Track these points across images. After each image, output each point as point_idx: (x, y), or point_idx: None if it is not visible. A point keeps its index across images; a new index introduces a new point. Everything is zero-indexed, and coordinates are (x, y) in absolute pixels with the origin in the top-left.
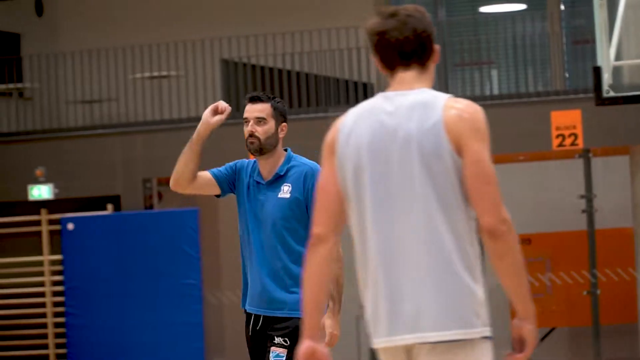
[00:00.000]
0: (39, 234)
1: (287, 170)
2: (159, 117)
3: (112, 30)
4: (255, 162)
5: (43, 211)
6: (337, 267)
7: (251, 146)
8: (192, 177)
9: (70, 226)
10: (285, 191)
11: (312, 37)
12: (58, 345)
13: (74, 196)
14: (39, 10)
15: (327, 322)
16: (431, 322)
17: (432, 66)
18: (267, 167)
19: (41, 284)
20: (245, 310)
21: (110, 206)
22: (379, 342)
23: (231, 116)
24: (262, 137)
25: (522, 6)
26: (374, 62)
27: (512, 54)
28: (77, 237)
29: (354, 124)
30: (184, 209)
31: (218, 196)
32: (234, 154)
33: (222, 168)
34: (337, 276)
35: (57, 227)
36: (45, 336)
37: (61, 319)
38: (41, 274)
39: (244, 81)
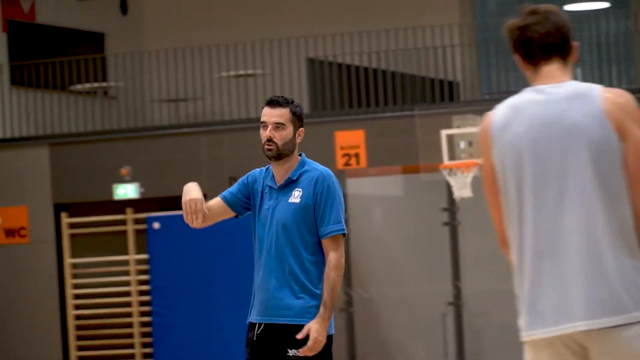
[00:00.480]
0: (124, 233)
1: (300, 175)
2: (245, 115)
3: (197, 29)
4: (269, 167)
5: (128, 210)
6: (335, 274)
7: (268, 152)
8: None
9: (156, 225)
10: (296, 196)
11: (398, 36)
12: (144, 345)
13: (160, 195)
14: (124, 9)
15: (314, 327)
16: (600, 308)
17: (571, 63)
18: (281, 172)
19: (127, 284)
20: (249, 322)
21: None
22: (541, 333)
23: (310, 114)
24: (279, 143)
25: (605, 4)
26: (516, 60)
27: (596, 53)
28: (163, 236)
29: (508, 117)
30: None
31: (237, 217)
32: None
33: (234, 187)
34: (334, 283)
35: (142, 226)
36: (131, 335)
37: (147, 319)
38: (127, 273)
39: (330, 79)
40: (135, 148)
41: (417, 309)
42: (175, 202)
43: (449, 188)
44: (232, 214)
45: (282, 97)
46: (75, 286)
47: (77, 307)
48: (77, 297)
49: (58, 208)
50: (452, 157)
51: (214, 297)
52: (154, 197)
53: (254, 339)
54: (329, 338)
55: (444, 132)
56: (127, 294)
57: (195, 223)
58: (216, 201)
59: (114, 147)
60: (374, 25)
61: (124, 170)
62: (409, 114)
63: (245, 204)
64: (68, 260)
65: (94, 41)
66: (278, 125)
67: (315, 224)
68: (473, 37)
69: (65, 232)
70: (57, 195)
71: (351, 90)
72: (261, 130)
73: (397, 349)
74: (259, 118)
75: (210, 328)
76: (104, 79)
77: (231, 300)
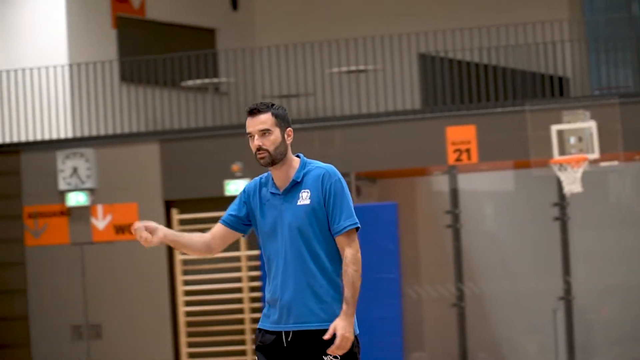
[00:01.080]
0: None
1: (304, 176)
2: (357, 111)
3: (308, 25)
4: (267, 175)
5: None
6: (353, 269)
7: (262, 161)
8: (206, 249)
9: None
10: (304, 197)
11: (508, 31)
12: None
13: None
14: (235, 4)
15: (339, 324)
16: None
17: None
18: (282, 177)
19: (238, 280)
20: (264, 330)
21: None
22: None
23: (421, 110)
24: (270, 149)
25: None
26: None
27: None
28: None
29: None
30: (383, 203)
31: (243, 236)
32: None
33: (232, 208)
34: (353, 279)
35: None
36: (242, 332)
37: (258, 315)
38: (238, 269)
39: (442, 75)
40: (247, 144)
41: (528, 304)
42: None
43: (559, 183)
44: (237, 235)
45: (261, 103)
46: (186, 282)
47: (188, 303)
48: (187, 293)
49: (168, 204)
50: (562, 152)
51: None
52: None
53: (284, 346)
54: (355, 338)
55: (554, 128)
56: (239, 290)
57: (145, 243)
58: (218, 227)
59: (225, 143)
60: (485, 21)
61: (236, 167)
62: (520, 110)
63: (246, 220)
64: (179, 257)
65: (205, 37)
66: (264, 132)
67: (327, 222)
68: (582, 33)
69: (176, 229)
70: (167, 192)
71: (462, 85)
72: (250, 142)
73: (507, 344)
74: (371, 114)
75: None
76: (215, 75)
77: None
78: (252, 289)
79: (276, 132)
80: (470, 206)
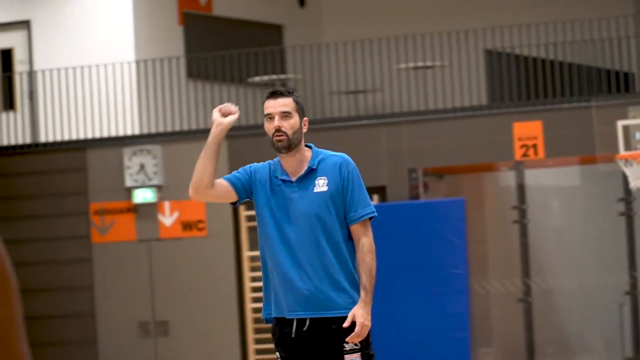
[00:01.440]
0: None
1: (319, 164)
2: (424, 107)
3: (375, 21)
4: (274, 163)
5: None
6: (370, 257)
7: (279, 143)
8: (210, 182)
9: None
10: (321, 185)
11: (574, 27)
12: None
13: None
14: (302, 1)
15: (359, 312)
16: None
17: None
18: (294, 164)
19: None
20: (272, 318)
21: (376, 197)
22: None
23: (488, 105)
24: (289, 132)
25: None
26: None
27: None
28: None
29: None
30: (450, 198)
31: (234, 203)
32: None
33: (238, 172)
34: (371, 267)
35: None
36: None
37: None
38: None
39: (508, 71)
40: (314, 140)
41: (594, 299)
42: None
43: (625, 178)
44: (234, 198)
45: (282, 87)
46: (253, 279)
47: (255, 300)
48: (255, 290)
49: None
50: (627, 147)
51: (394, 288)
52: None
53: (300, 334)
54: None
55: (620, 123)
56: None
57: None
58: (221, 181)
59: None
60: (551, 17)
61: None
62: (586, 105)
63: (248, 190)
64: (246, 254)
65: (272, 33)
66: (285, 114)
67: (343, 209)
68: None
69: (243, 225)
70: None
71: (528, 81)
72: (266, 124)
73: (574, 339)
74: (438, 110)
75: (391, 318)
76: (282, 72)
77: (411, 290)
78: None
79: (295, 117)
80: (537, 202)
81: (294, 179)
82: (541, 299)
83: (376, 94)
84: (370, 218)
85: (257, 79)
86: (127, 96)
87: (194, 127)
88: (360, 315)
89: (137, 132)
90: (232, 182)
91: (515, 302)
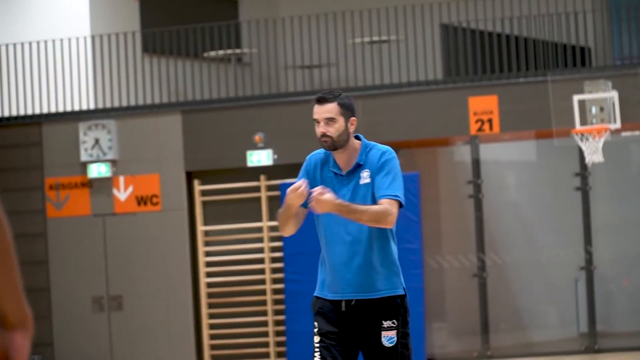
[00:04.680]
0: (257, 200)
1: (365, 157)
2: (379, 81)
3: None
4: (328, 153)
5: (262, 177)
6: (377, 213)
7: (325, 145)
8: (296, 229)
9: None
10: (365, 177)
11: (531, 2)
12: (276, 312)
13: (294, 162)
14: None
15: (329, 194)
16: None
17: None
18: (345, 159)
19: (260, 251)
20: (323, 297)
21: None
22: None
23: (443, 80)
24: (334, 136)
25: None
26: None
27: None
28: None
29: None
30: (405, 173)
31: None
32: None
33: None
34: (371, 212)
35: (276, 193)
36: (264, 302)
37: (280, 285)
38: (260, 240)
39: (464, 46)
40: (269, 115)
41: (549, 274)
42: None
43: (580, 153)
44: (306, 210)
45: (329, 92)
46: (207, 254)
47: (209, 274)
48: (208, 264)
49: (190, 175)
50: (583, 122)
51: None
52: (287, 164)
53: (343, 311)
54: (403, 297)
55: (576, 98)
56: (260, 261)
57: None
58: (299, 210)
59: (247, 114)
60: None
61: (258, 137)
62: (542, 80)
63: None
64: (200, 228)
65: (227, 8)
66: (329, 120)
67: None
68: (605, 2)
69: (198, 200)
70: (189, 163)
71: (484, 56)
72: (315, 127)
73: (529, 314)
74: (394, 84)
75: None
76: (238, 46)
77: None
78: (274, 260)
79: (340, 121)
80: (492, 176)
81: (344, 172)
82: (495, 274)
83: (331, 68)
84: (400, 204)
85: (212, 53)
86: (83, 71)
87: (149, 101)
88: (329, 196)
89: (92, 106)
90: (305, 205)
91: (470, 277)
